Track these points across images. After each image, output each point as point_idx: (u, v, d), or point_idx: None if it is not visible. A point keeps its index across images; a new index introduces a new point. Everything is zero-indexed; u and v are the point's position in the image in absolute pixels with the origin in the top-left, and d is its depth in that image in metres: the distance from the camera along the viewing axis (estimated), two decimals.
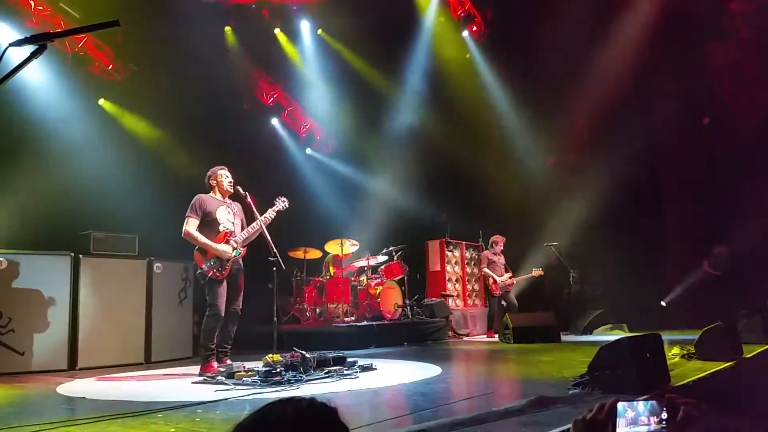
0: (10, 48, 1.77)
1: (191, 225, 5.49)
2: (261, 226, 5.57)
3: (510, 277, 9.95)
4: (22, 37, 1.65)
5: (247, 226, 5.78)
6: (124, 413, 3.57)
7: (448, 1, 11.63)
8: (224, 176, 5.77)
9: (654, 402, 1.32)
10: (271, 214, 5.74)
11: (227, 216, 5.68)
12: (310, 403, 1.10)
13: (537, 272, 9.96)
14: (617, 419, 1.31)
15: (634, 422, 1.31)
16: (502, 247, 10.18)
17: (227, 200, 5.80)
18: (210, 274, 5.42)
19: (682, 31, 11.33)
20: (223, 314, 5.48)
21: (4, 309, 6.11)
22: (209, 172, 5.83)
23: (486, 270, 9.98)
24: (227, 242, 5.55)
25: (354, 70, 11.98)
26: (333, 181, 12.81)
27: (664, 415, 1.31)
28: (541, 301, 10.92)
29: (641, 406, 1.32)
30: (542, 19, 10.87)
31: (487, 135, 13.44)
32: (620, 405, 1.32)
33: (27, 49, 1.76)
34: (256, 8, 10.91)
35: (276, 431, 1.07)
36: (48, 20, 8.08)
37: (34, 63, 1.83)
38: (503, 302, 9.83)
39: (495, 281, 9.79)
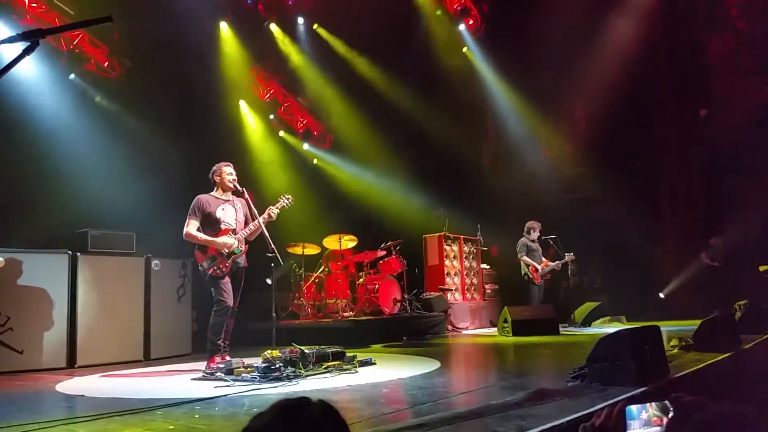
0: (1, 46, 1.75)
1: (191, 226, 5.46)
2: (261, 225, 5.54)
3: (546, 264, 9.65)
4: (13, 35, 1.63)
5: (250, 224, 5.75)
6: (123, 411, 3.58)
7: None
8: (227, 173, 5.72)
9: (665, 402, 1.30)
10: (274, 211, 5.69)
11: (230, 213, 5.65)
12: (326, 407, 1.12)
13: (569, 257, 9.64)
14: (631, 422, 1.29)
15: (647, 423, 1.29)
16: (538, 234, 9.77)
17: (230, 197, 5.76)
18: (210, 272, 5.41)
19: (678, 22, 11.33)
20: (230, 308, 5.48)
21: (3, 308, 6.10)
22: (214, 168, 5.77)
23: (526, 258, 9.54)
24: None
25: (350, 65, 11.95)
26: (331, 176, 12.81)
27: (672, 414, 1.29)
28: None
29: (653, 407, 1.30)
30: (538, 12, 10.85)
31: (484, 128, 13.44)
32: (632, 408, 1.30)
33: (19, 47, 1.74)
34: (251, 3, 10.87)
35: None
36: (43, 17, 8.04)
37: (29, 61, 1.81)
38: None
39: (536, 269, 9.50)
